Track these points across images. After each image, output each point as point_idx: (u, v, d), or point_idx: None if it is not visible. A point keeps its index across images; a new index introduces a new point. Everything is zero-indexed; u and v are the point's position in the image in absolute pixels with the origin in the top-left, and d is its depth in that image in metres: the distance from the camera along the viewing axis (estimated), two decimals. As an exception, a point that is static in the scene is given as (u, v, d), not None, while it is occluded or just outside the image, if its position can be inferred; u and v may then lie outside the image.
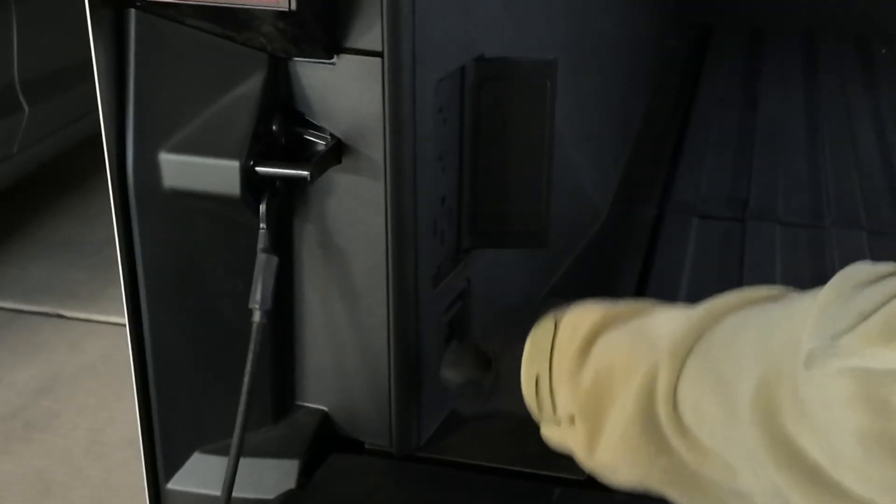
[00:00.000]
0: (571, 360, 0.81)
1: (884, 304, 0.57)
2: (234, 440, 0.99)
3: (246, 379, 0.99)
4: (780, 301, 0.71)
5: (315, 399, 1.14)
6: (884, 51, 2.80)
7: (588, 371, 0.80)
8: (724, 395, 0.68)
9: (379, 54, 0.96)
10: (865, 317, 0.57)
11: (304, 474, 1.09)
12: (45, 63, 3.12)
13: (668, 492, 0.78)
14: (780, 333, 0.65)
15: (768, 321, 0.68)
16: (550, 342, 0.84)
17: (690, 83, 2.60)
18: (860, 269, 0.66)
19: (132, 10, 0.95)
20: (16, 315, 2.95)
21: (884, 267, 0.65)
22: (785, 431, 0.62)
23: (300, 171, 0.96)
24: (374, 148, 0.99)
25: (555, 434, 0.85)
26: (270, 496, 1.08)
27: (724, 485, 0.72)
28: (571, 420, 0.81)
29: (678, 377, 0.71)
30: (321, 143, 1.00)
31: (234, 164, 0.96)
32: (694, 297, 0.81)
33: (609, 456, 0.79)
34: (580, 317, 0.84)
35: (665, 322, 0.77)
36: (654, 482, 0.78)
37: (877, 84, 2.61)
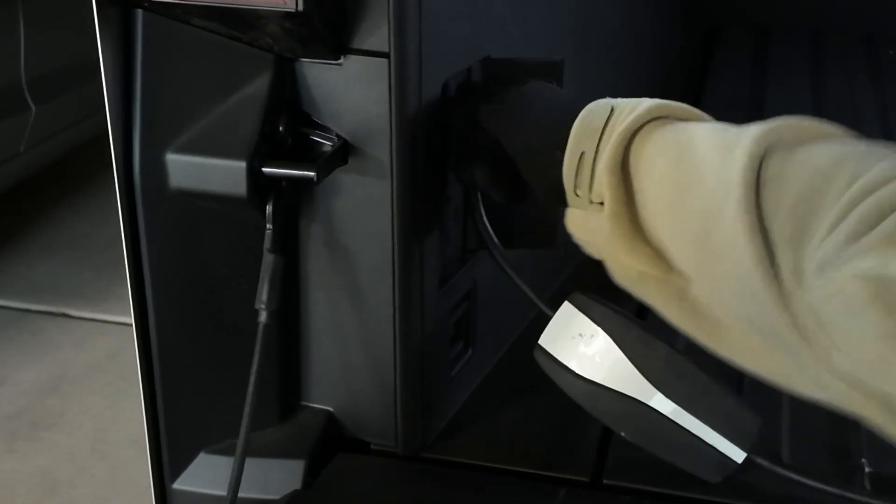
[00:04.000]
0: (618, 146, 0.80)
1: (890, 212, 0.58)
2: (240, 440, 0.99)
3: (252, 379, 0.99)
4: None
5: (321, 399, 1.14)
6: (891, 52, 2.79)
7: (634, 164, 0.80)
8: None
9: (385, 55, 0.96)
10: (871, 224, 0.58)
11: (310, 474, 1.09)
12: (52, 63, 3.13)
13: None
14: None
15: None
16: (604, 123, 0.82)
17: (697, 83, 2.60)
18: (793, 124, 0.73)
19: (139, 10, 0.95)
20: (21, 314, 2.96)
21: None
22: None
23: (306, 172, 0.96)
24: (381, 148, 0.99)
25: (578, 217, 0.85)
26: (276, 496, 1.07)
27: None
28: (600, 205, 0.81)
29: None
30: (327, 144, 1.00)
31: (241, 165, 0.96)
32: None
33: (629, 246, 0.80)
34: (637, 105, 0.82)
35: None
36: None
37: (884, 85, 2.60)
